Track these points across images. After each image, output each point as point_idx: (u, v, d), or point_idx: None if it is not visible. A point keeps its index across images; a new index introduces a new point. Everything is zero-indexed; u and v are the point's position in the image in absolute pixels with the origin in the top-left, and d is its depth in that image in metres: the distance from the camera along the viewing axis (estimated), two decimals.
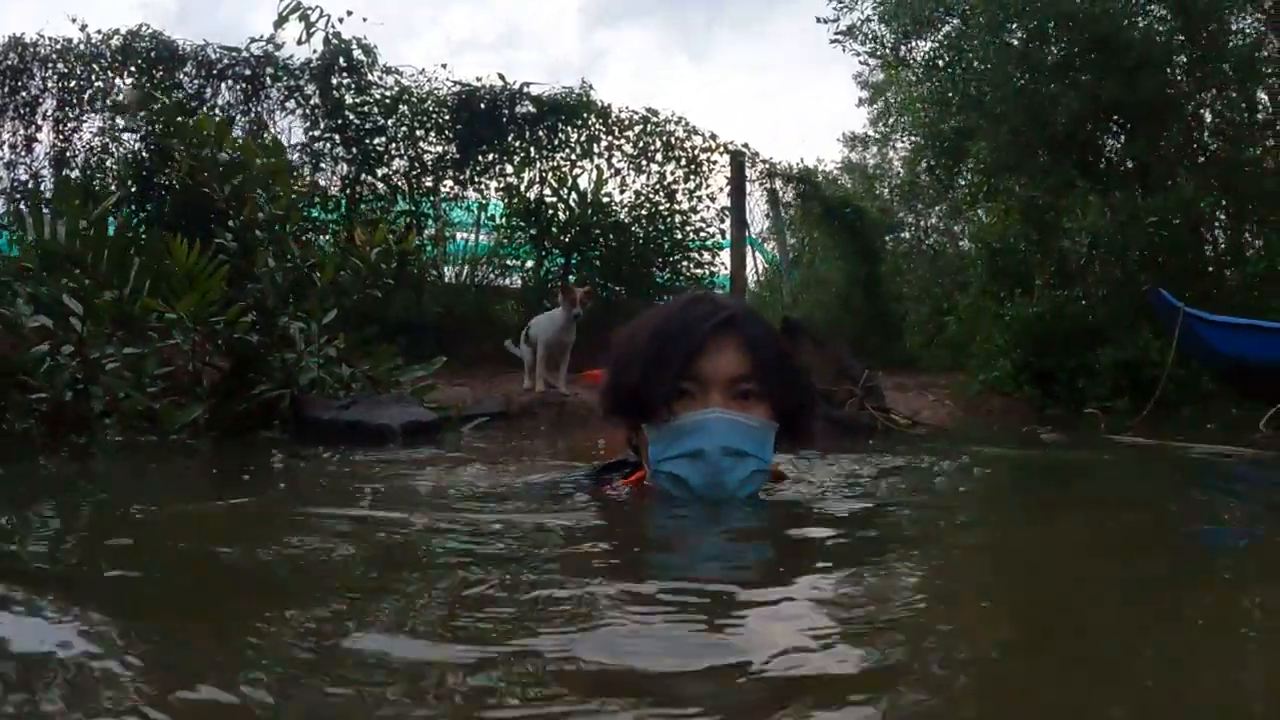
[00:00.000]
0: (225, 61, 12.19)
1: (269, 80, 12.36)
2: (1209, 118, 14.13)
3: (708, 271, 14.87)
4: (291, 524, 2.35)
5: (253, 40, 12.20)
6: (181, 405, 4.50)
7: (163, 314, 4.71)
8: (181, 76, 12.12)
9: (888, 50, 15.21)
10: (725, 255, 14.92)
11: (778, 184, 17.21)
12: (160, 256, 4.89)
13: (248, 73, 12.23)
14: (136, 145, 11.93)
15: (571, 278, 12.39)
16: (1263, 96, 14.27)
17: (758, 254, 18.81)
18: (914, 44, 14.86)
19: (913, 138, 18.26)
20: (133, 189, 11.39)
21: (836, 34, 15.24)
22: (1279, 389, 7.36)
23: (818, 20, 15.43)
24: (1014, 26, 12.92)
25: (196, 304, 4.76)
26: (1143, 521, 2.59)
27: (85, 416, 4.39)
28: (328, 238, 5.26)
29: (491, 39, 55.58)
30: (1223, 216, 14.18)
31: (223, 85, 12.32)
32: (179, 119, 5.02)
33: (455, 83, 13.06)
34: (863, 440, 6.04)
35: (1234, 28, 13.55)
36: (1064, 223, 12.54)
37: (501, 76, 13.15)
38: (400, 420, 4.86)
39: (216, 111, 11.87)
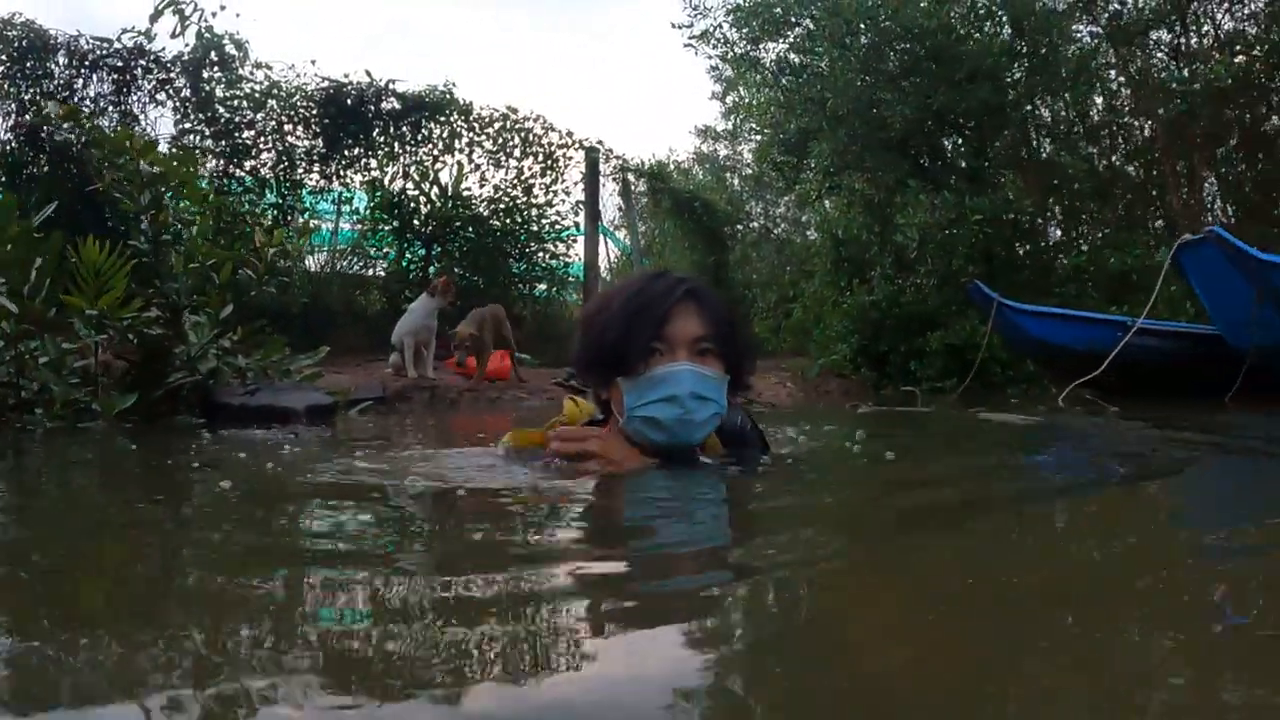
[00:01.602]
0: (97, 52, 12.17)
1: (140, 73, 12.39)
2: (1047, 118, 15.39)
3: (562, 262, 15.52)
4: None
5: (124, 31, 12.24)
6: (114, 395, 5.02)
7: (83, 310, 5.19)
8: (53, 66, 12.07)
9: (738, 55, 15.88)
10: (580, 246, 15.51)
11: (630, 178, 17.86)
12: (59, 254, 5.38)
13: (119, 64, 12.25)
14: (5, 135, 11.89)
15: (432, 269, 12.89)
16: (1099, 100, 15.50)
17: (611, 243, 19.46)
18: (764, 48, 15.52)
19: (759, 136, 19.02)
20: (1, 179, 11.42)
21: (690, 39, 15.91)
22: (1079, 368, 8.47)
23: (672, 25, 16.18)
24: (856, 36, 13.68)
25: (109, 303, 5.26)
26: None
27: (20, 404, 4.89)
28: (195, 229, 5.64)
29: (365, 35, 55.06)
30: (1053, 213, 15.41)
31: (94, 76, 12.30)
32: (103, 131, 5.49)
33: (324, 79, 13.38)
34: None
35: (1075, 36, 14.68)
36: (897, 219, 13.42)
37: (369, 73, 13.55)
38: (303, 404, 5.39)
39: (87, 102, 11.98)
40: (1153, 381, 8.45)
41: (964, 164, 14.35)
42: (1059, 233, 15.72)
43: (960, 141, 14.74)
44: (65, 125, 9.87)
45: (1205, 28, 14.76)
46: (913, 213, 13.12)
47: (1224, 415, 6.58)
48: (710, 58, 16.41)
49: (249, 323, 6.14)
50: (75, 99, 11.81)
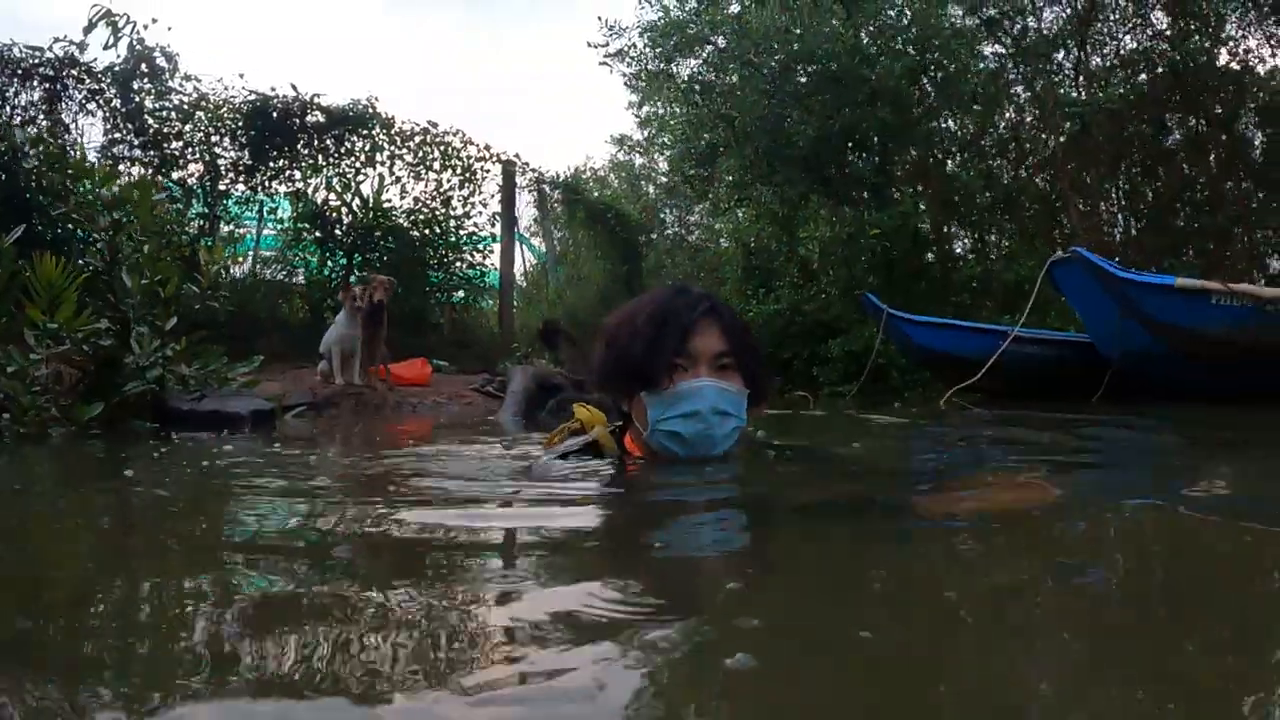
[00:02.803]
0: (30, 61, 12.26)
1: (72, 83, 12.51)
2: (955, 133, 16.24)
3: (479, 271, 15.96)
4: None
5: (55, 40, 12.33)
6: (79, 404, 5.51)
7: (42, 323, 5.68)
8: None
9: (651, 72, 16.48)
10: (496, 257, 16.05)
11: (545, 189, 18.38)
12: (12, 269, 5.89)
13: (50, 74, 12.35)
14: None
15: (353, 277, 13.05)
16: (1007, 115, 16.41)
17: (528, 252, 19.97)
18: (677, 65, 16.10)
19: (669, 152, 19.59)
20: None
21: (606, 56, 16.53)
22: (962, 374, 9.25)
23: (589, 45, 16.66)
24: (765, 56, 14.32)
25: (65, 316, 5.76)
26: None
27: None
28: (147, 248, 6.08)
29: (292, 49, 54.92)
30: (958, 225, 16.30)
31: (25, 85, 12.35)
32: (65, 156, 5.95)
33: (251, 92, 13.64)
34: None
35: (982, 55, 15.53)
36: (800, 233, 14.12)
37: (294, 86, 13.82)
38: (247, 409, 5.85)
39: (18, 112, 12.20)
40: (1033, 385, 9.23)
41: (867, 180, 15.02)
42: (965, 244, 16.60)
43: (864, 158, 15.36)
44: (30, 151, 10.20)
45: (1108, 48, 15.74)
46: (814, 226, 13.79)
47: (1086, 413, 7.40)
48: (625, 75, 16.90)
49: (188, 334, 6.58)
50: (7, 107, 12.03)
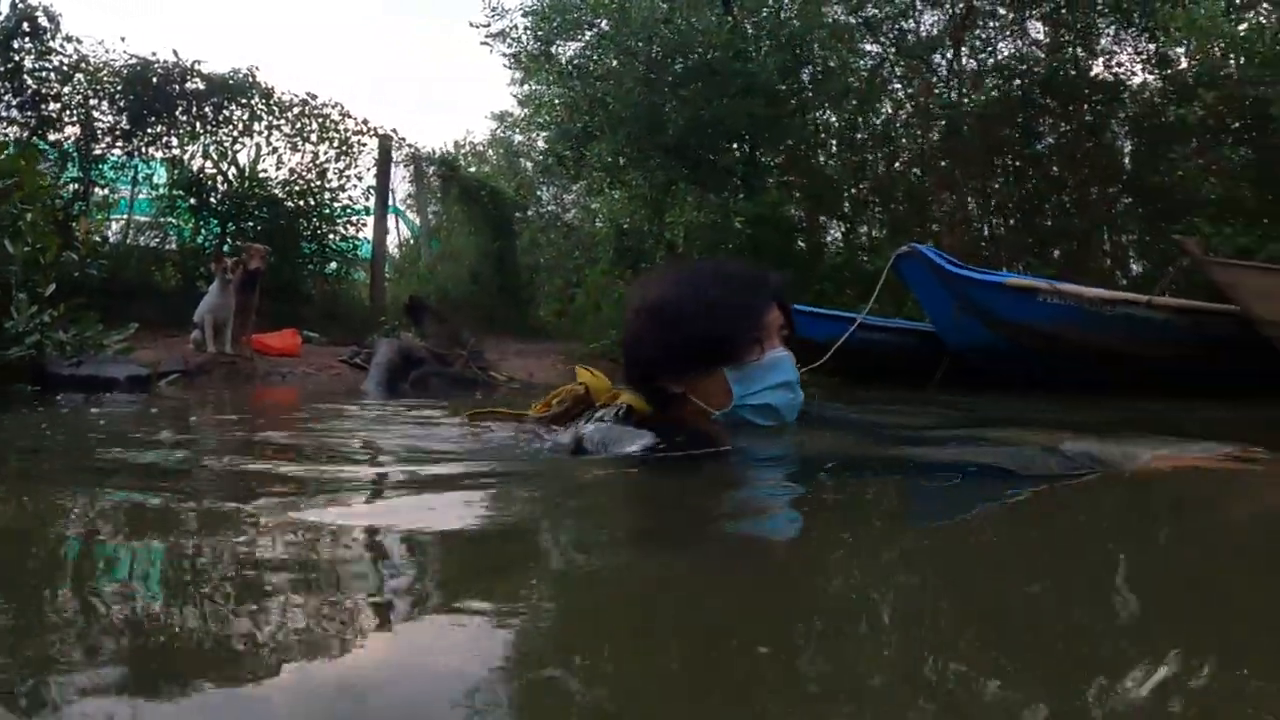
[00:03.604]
0: None
1: None
2: (833, 126, 16.93)
3: (352, 244, 16.15)
4: None
5: None
6: None
7: None
8: None
9: (531, 54, 16.68)
10: (370, 230, 16.28)
11: (422, 165, 18.69)
12: None
13: None
14: None
15: (226, 246, 13.21)
16: (885, 110, 17.10)
17: (404, 226, 20.20)
18: (557, 47, 16.35)
19: (545, 133, 19.89)
20: None
21: (487, 36, 16.71)
22: (815, 358, 9.85)
23: (470, 25, 16.86)
24: (646, 44, 14.69)
25: None
26: None
27: None
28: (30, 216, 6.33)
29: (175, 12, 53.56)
30: (833, 215, 17.03)
31: None
32: None
33: (132, 55, 13.56)
34: (471, 392, 8.13)
35: (863, 52, 16.29)
36: (667, 218, 14.66)
37: (175, 52, 13.79)
38: (123, 374, 6.18)
39: None
40: (882, 369, 9.89)
41: (736, 169, 15.56)
42: (837, 234, 17.30)
43: (735, 148, 15.90)
44: None
45: (985, 54, 16.35)
46: (680, 212, 14.30)
47: (922, 395, 8.08)
48: (505, 55, 17.09)
49: (65, 300, 6.88)
50: None
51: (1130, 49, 15.57)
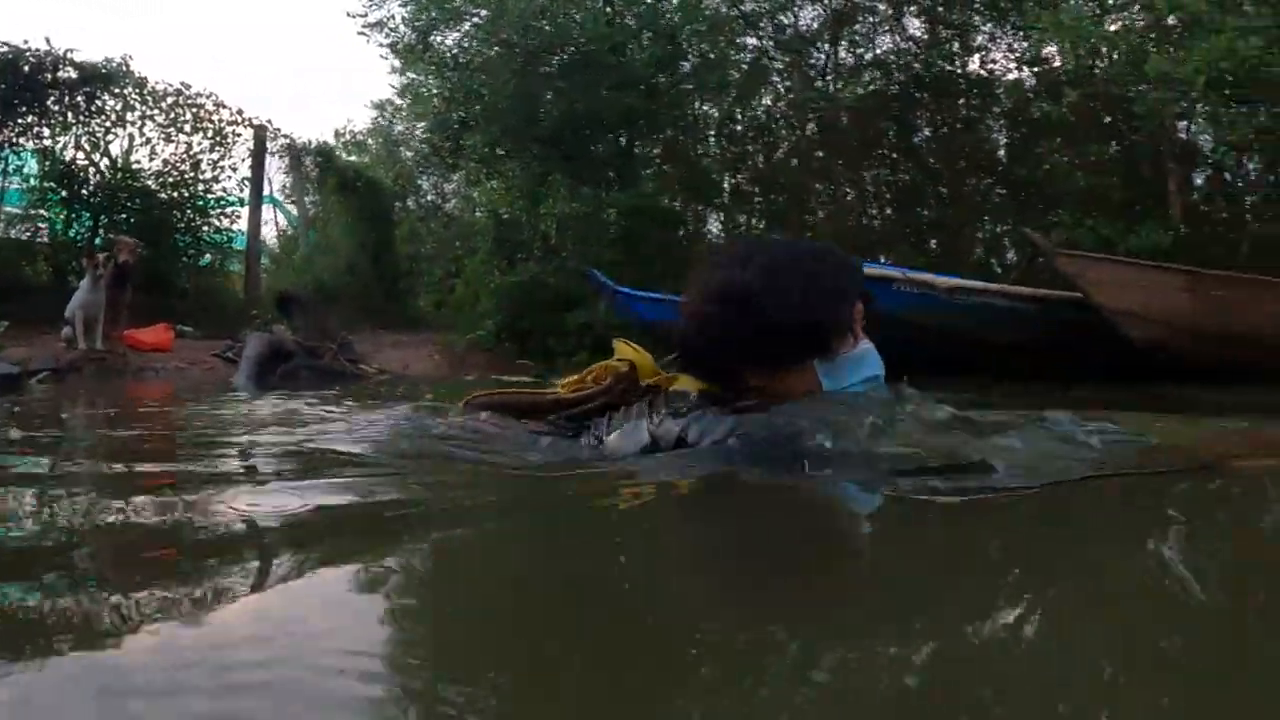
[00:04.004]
0: None
1: None
2: (711, 118, 17.28)
3: (227, 236, 16.14)
4: None
5: None
6: None
7: None
8: None
9: (408, 45, 16.75)
10: (245, 222, 16.26)
11: (298, 155, 18.62)
12: None
13: None
14: None
15: (98, 240, 13.14)
16: (766, 102, 17.46)
17: (280, 215, 20.08)
18: (435, 38, 16.39)
19: (423, 124, 19.91)
20: None
21: (365, 26, 16.67)
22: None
23: (348, 15, 16.70)
24: (524, 36, 14.82)
25: None
26: None
27: None
28: None
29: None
30: (702, 208, 17.43)
31: None
32: None
33: (2, 43, 13.30)
34: (340, 385, 8.21)
35: (743, 45, 16.61)
36: (541, 208, 14.75)
37: (48, 40, 13.59)
38: None
39: None
40: None
41: (612, 160, 15.86)
42: (718, 225, 17.66)
43: (612, 140, 16.15)
44: None
45: (864, 49, 16.83)
46: (552, 203, 14.45)
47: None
48: (382, 45, 17.05)
49: None
50: None
51: (1005, 46, 16.15)
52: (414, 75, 19.16)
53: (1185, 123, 12.88)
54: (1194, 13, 11.12)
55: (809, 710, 0.84)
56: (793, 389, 2.19)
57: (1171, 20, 11.93)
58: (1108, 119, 14.07)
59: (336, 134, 26.53)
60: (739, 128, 17.60)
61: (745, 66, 16.96)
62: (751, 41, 17.20)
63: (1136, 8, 12.84)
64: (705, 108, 17.54)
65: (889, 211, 17.11)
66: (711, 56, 15.96)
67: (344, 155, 22.78)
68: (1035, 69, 15.27)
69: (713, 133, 17.72)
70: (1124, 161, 14.15)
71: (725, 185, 17.11)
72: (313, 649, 0.98)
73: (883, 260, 15.57)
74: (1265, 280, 7.40)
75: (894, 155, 17.01)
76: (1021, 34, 15.04)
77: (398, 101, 25.49)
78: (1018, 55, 15.79)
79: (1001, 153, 16.62)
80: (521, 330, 14.01)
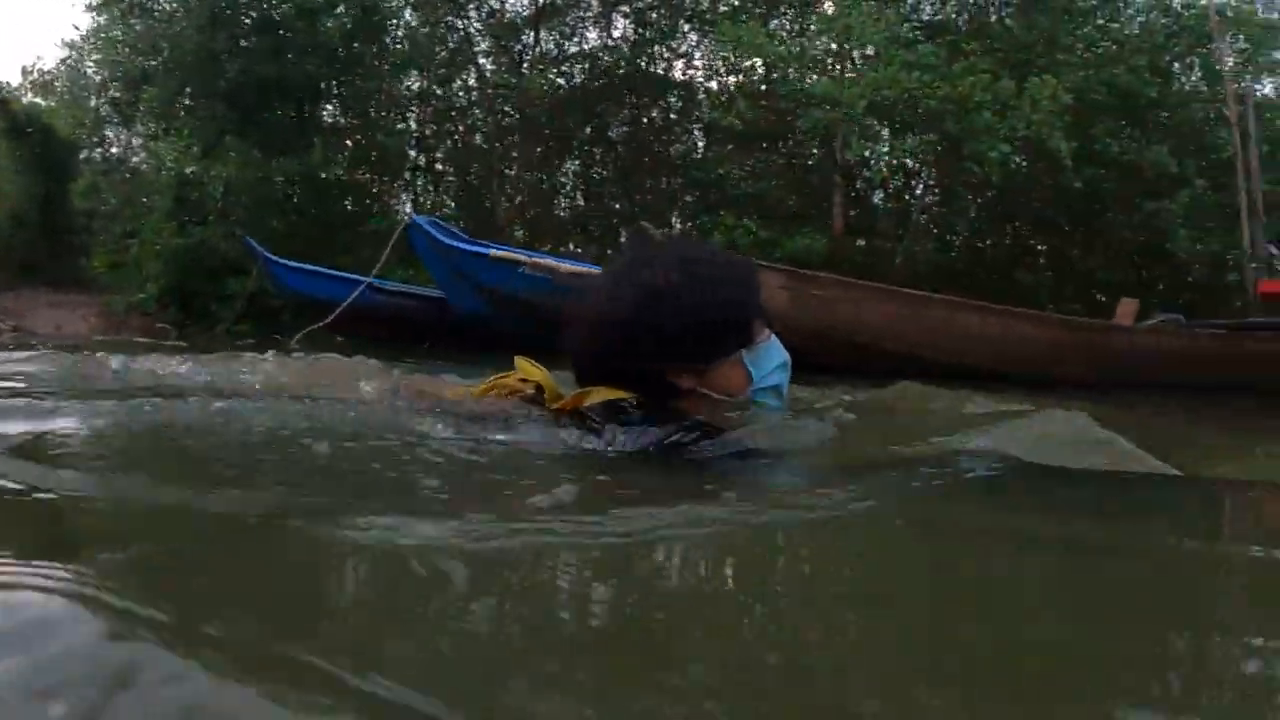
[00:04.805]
0: None
1: None
2: (411, 92, 17.35)
3: None
4: None
5: None
6: None
7: None
8: None
9: None
10: None
11: None
12: None
13: None
14: None
15: None
16: (472, 84, 17.58)
17: None
18: None
19: (103, 72, 18.95)
20: None
21: None
22: (325, 316, 10.10)
23: None
24: None
25: None
26: None
27: None
28: None
29: None
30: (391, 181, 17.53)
31: None
32: None
33: None
34: None
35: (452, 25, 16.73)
36: (212, 171, 14.38)
37: None
38: None
39: None
40: (390, 330, 10.36)
41: (288, 128, 15.65)
42: (408, 202, 17.82)
43: (290, 107, 16.00)
44: None
45: (569, 42, 17.39)
46: (223, 166, 14.14)
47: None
48: None
49: None
50: None
51: (705, 55, 16.88)
52: (102, 19, 18.26)
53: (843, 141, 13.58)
54: (878, 44, 11.90)
55: None
56: (727, 381, 2.18)
57: (869, 51, 12.70)
58: (779, 133, 14.80)
59: (24, 71, 24.80)
60: (437, 107, 17.55)
61: (452, 47, 16.84)
62: (459, 24, 17.39)
63: (824, 37, 13.49)
64: (410, 85, 17.29)
65: (580, 201, 17.36)
66: (420, 36, 15.95)
67: (30, 97, 21.27)
68: (723, 79, 15.92)
69: (413, 110, 17.41)
70: (791, 173, 14.86)
71: (421, 162, 16.87)
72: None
73: (572, 246, 15.92)
74: (854, 282, 8.02)
75: (589, 148, 17.25)
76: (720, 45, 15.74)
77: (91, 42, 24.17)
78: (721, 65, 16.47)
79: (699, 155, 17.32)
80: (186, 294, 13.75)
